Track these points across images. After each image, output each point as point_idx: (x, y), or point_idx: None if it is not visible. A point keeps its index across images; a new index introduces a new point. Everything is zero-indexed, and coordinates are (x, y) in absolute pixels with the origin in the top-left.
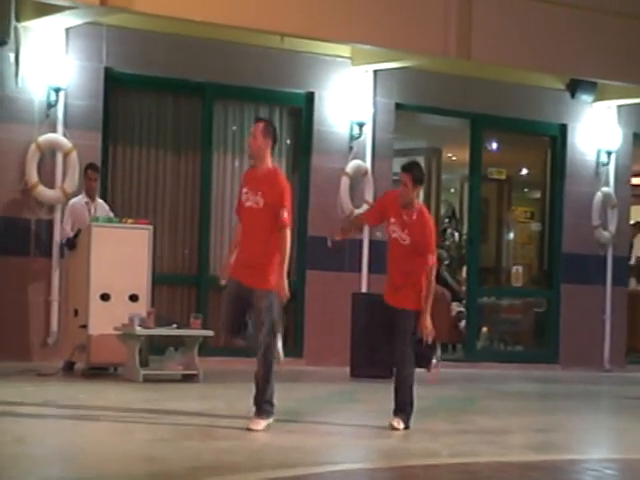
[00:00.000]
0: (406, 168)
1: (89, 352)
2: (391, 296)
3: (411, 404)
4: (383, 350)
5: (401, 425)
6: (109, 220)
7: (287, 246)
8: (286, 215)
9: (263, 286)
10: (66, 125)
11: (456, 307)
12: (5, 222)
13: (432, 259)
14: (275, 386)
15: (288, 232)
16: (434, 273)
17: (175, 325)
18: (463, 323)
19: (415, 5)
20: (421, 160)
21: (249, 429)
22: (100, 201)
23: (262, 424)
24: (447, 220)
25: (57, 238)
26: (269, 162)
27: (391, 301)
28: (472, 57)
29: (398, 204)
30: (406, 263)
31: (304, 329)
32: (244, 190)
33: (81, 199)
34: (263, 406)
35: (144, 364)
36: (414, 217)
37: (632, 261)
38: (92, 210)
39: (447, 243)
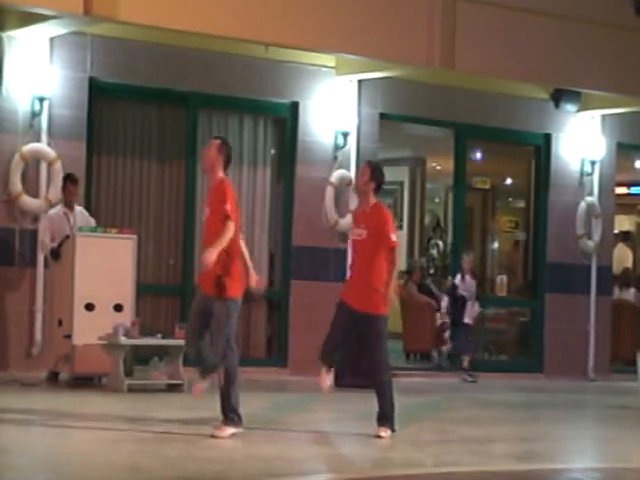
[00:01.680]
0: (370, 162)
1: (73, 362)
2: (351, 299)
3: (392, 407)
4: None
5: (388, 433)
6: (93, 230)
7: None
8: (227, 207)
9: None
10: (50, 135)
11: (440, 318)
12: None
13: (394, 238)
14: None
15: (231, 224)
16: (397, 256)
17: (160, 335)
18: (447, 333)
19: (399, 15)
20: (405, 170)
21: (213, 436)
22: (79, 209)
23: (227, 431)
24: (432, 229)
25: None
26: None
27: (355, 305)
28: (456, 67)
29: (356, 214)
30: (369, 261)
31: (289, 339)
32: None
33: (59, 210)
34: (229, 414)
35: (129, 374)
36: (368, 210)
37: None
38: (71, 220)
39: (432, 252)
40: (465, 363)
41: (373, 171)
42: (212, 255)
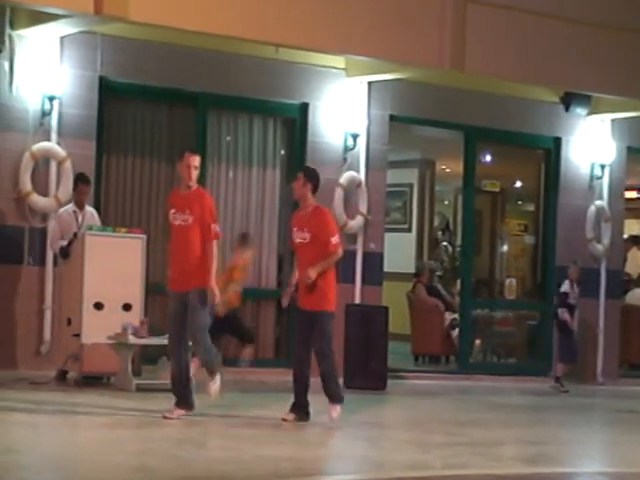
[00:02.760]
0: (303, 168)
1: (82, 361)
2: (305, 298)
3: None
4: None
5: (338, 410)
6: (102, 229)
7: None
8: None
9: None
10: (60, 134)
11: (449, 316)
12: None
13: (335, 241)
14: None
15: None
16: (339, 255)
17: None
18: (456, 332)
19: (410, 17)
20: (415, 172)
21: (164, 417)
22: (89, 209)
23: (177, 413)
24: (440, 232)
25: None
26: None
27: (307, 304)
28: (466, 69)
29: (297, 217)
30: (314, 262)
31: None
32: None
33: (69, 208)
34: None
35: (137, 373)
36: (309, 214)
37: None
38: (80, 219)
39: (441, 255)
40: (559, 372)
41: (306, 174)
42: (313, 273)
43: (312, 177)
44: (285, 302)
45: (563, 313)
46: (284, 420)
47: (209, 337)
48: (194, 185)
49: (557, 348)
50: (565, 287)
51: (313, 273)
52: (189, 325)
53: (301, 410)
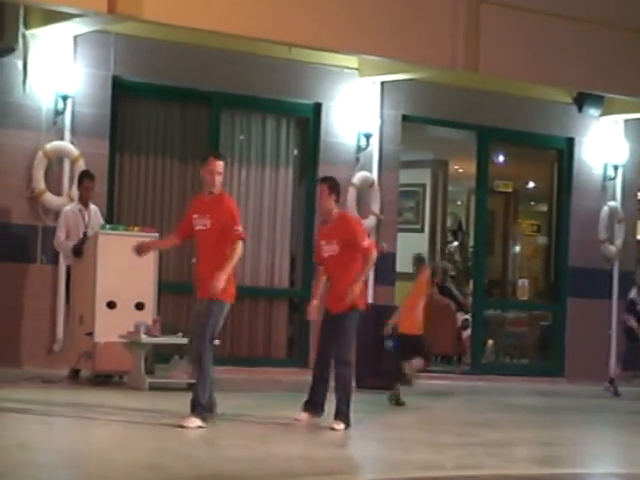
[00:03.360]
0: (324, 178)
1: (95, 360)
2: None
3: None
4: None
5: (341, 426)
6: (115, 228)
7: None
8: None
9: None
10: (73, 133)
11: (461, 316)
12: (12, 229)
13: (367, 244)
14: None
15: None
16: (374, 256)
17: (181, 333)
18: (468, 332)
19: (423, 17)
20: (427, 172)
21: (181, 426)
22: (93, 207)
23: (194, 422)
24: (452, 232)
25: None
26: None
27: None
28: (480, 70)
29: (323, 231)
30: (346, 271)
31: (309, 339)
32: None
33: (74, 206)
34: (196, 407)
35: (149, 372)
36: (334, 224)
37: None
38: (86, 217)
39: (454, 255)
40: (616, 375)
41: (329, 185)
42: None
43: (335, 187)
44: (315, 315)
45: (629, 320)
46: (297, 420)
47: (209, 351)
48: (217, 191)
49: (621, 352)
50: (633, 294)
51: (357, 288)
52: (196, 328)
53: (315, 406)
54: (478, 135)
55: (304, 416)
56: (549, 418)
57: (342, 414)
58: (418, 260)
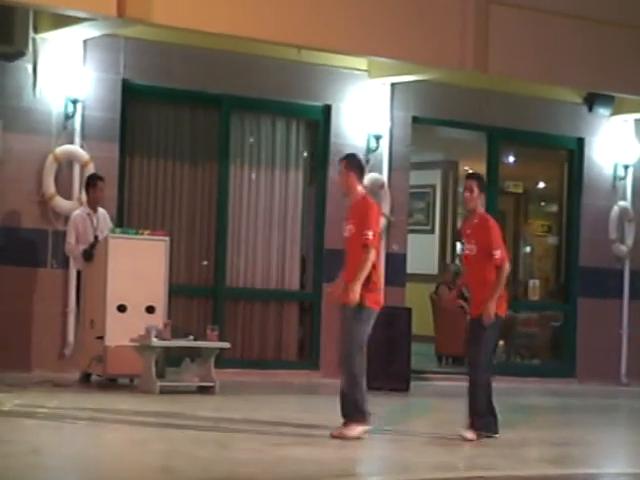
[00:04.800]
0: (473, 174)
1: (105, 363)
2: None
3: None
4: None
5: (469, 435)
6: (126, 232)
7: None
8: (369, 235)
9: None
10: (83, 136)
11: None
12: (22, 233)
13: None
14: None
15: (372, 253)
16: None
17: (191, 337)
18: None
19: (432, 18)
20: (438, 173)
21: (340, 436)
22: (102, 211)
23: (355, 430)
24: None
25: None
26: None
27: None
28: (489, 70)
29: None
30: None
31: (320, 341)
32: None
33: (83, 211)
34: (355, 414)
35: (160, 375)
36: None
37: None
38: (95, 221)
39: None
40: None
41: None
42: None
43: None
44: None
45: None
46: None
47: (360, 355)
48: (356, 195)
49: None
50: None
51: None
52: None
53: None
54: (488, 136)
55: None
56: (561, 418)
57: (476, 423)
58: None
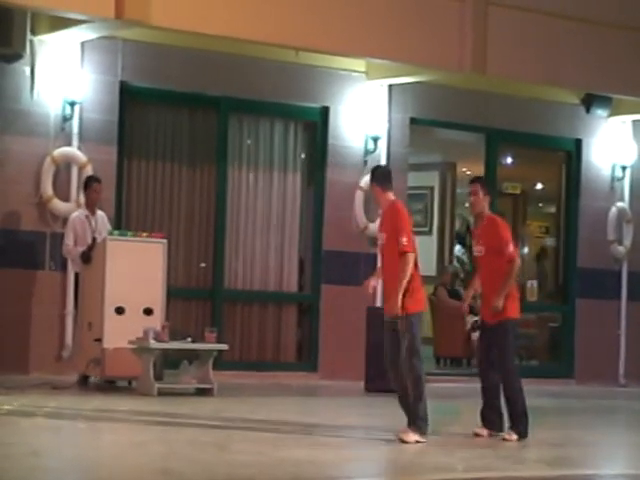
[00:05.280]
0: (478, 179)
1: (104, 365)
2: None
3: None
4: None
5: (514, 437)
6: (124, 234)
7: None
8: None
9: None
10: (81, 139)
11: (470, 319)
12: (20, 235)
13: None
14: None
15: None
16: (409, 259)
17: (190, 339)
18: (477, 334)
19: (430, 20)
20: (436, 175)
21: (401, 440)
22: (100, 213)
23: (412, 437)
24: (462, 235)
25: (64, 254)
26: None
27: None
28: (487, 72)
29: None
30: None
31: (319, 343)
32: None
33: (81, 213)
34: (416, 421)
35: (158, 378)
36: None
37: None
38: (93, 223)
39: (462, 257)
40: None
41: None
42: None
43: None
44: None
45: None
46: (477, 435)
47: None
48: (384, 204)
49: None
50: None
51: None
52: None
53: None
54: (486, 137)
55: (485, 432)
56: (559, 419)
57: (516, 426)
58: None
